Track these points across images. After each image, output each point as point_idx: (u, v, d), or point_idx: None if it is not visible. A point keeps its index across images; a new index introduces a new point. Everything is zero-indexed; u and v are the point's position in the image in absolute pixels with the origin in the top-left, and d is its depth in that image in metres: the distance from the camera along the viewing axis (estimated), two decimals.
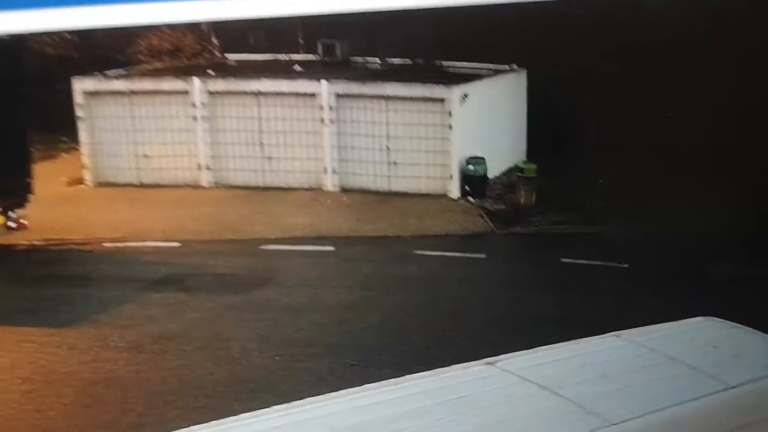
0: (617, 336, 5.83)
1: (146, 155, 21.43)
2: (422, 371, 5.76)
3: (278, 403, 5.20)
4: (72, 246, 16.99)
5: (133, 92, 21.44)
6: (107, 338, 12.60)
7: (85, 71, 23.81)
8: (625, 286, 14.82)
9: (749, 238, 16.47)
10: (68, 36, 28.29)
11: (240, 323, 13.13)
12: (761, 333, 5.87)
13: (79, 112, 21.59)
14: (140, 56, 29.56)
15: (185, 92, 21.30)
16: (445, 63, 23.41)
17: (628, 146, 20.39)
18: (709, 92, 20.99)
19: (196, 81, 21.37)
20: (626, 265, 15.77)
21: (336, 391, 5.37)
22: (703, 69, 21.51)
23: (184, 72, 23.08)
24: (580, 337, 5.86)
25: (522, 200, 19.66)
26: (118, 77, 22.35)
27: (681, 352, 5.46)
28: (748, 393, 5.07)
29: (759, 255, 15.63)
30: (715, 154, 19.72)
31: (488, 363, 5.69)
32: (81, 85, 21.66)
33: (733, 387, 5.11)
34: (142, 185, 21.39)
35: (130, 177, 21.58)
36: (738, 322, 6.07)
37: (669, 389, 5.02)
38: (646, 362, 5.36)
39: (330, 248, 16.90)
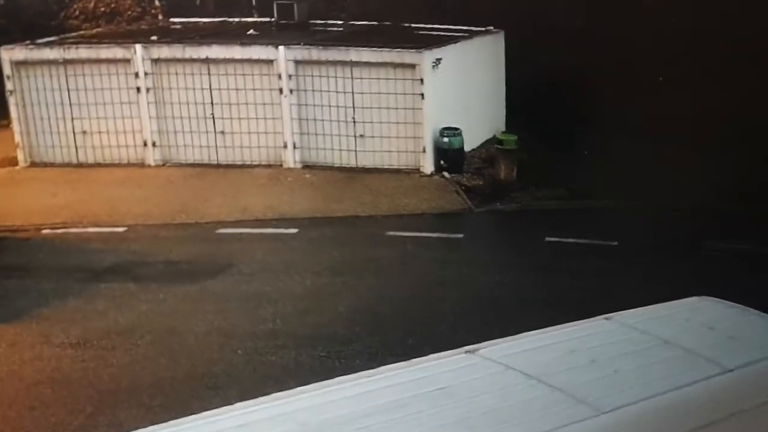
0: (608, 319, 5.99)
1: (85, 131, 21.33)
2: (397, 362, 5.88)
3: (241, 400, 5.27)
4: (6, 233, 16.89)
5: (67, 61, 21.23)
6: (50, 334, 12.58)
7: (12, 39, 23.49)
8: (615, 266, 15.05)
9: (746, 212, 16.85)
10: None
11: (196, 315, 13.17)
12: (759, 312, 6.06)
13: (8, 85, 21.39)
14: (74, 21, 29.28)
15: (126, 61, 21.14)
16: (414, 25, 23.42)
17: (616, 114, 20.64)
18: (704, 54, 21.33)
19: (139, 48, 21.19)
20: (615, 243, 16.03)
21: (304, 385, 5.44)
22: (697, 28, 21.78)
23: (125, 38, 22.90)
24: (568, 322, 6.01)
25: (502, 175, 19.83)
26: (50, 45, 22.07)
27: (675, 334, 5.63)
28: (745, 376, 5.25)
29: (755, 230, 16.01)
30: (711, 121, 20.05)
31: (469, 351, 5.80)
32: (9, 55, 21.42)
33: (731, 370, 5.29)
34: (82, 165, 21.31)
35: (68, 156, 21.49)
36: (735, 301, 6.26)
37: (663, 374, 5.19)
38: (639, 346, 5.53)
39: (293, 231, 16.95)
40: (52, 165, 21.29)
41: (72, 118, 21.32)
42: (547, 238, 16.39)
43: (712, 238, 15.90)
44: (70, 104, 21.29)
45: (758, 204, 16.91)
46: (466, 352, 5.85)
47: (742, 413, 5.12)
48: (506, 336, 6.07)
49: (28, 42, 22.30)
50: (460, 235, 16.95)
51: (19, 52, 21.48)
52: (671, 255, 15.30)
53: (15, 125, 21.49)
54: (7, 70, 21.32)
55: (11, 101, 21.44)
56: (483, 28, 23.20)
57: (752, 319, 5.91)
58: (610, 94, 20.82)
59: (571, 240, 16.29)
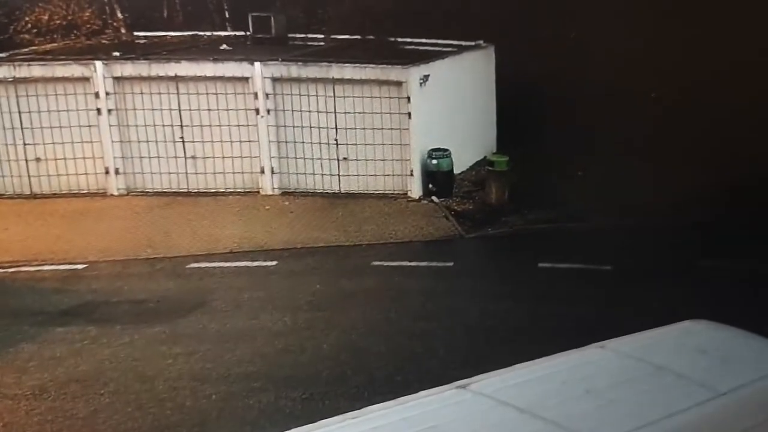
0: (601, 347, 6.32)
1: (39, 158, 21.30)
2: (385, 401, 6.13)
3: None
4: None
5: (18, 80, 21.16)
6: (2, 385, 12.57)
7: None
8: (609, 291, 15.58)
9: (740, 228, 17.59)
10: None
11: (165, 359, 13.29)
12: (750, 333, 6.42)
13: None
14: (26, 36, 29.28)
15: (85, 79, 21.17)
16: (400, 39, 23.79)
17: (610, 133, 21.35)
18: (700, 69, 22.04)
19: (99, 65, 21.26)
20: (608, 268, 16.54)
21: (285, 430, 5.64)
22: (694, 41, 22.47)
23: (83, 54, 22.89)
24: (562, 352, 6.31)
25: (493, 198, 20.29)
26: None
27: (668, 359, 5.96)
28: (738, 399, 5.59)
29: (749, 247, 16.71)
30: (705, 139, 20.86)
31: (460, 386, 6.06)
32: None
33: (723, 394, 5.62)
34: (36, 195, 21.30)
35: (19, 186, 21.42)
36: (733, 320, 6.60)
37: (657, 401, 5.51)
38: (632, 374, 5.85)
39: (271, 263, 17.18)
40: (1, 196, 21.25)
41: (24, 144, 21.26)
42: (540, 264, 16.88)
43: (708, 257, 16.52)
44: (22, 128, 21.22)
45: (754, 220, 17.69)
46: (457, 387, 6.09)
47: None
48: (499, 369, 6.34)
49: None
50: (450, 263, 17.30)
51: None
52: (666, 275, 16.03)
53: None
54: None
55: None
56: (473, 43, 23.59)
57: (743, 341, 6.27)
58: (605, 111, 21.53)
59: (564, 265, 16.72)
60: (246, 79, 21.05)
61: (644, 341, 6.27)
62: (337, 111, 20.82)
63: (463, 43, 23.51)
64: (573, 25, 23.37)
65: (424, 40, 23.59)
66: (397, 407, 5.87)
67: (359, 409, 6.01)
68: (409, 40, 23.66)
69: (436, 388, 6.18)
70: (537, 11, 23.72)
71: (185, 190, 21.34)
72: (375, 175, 20.92)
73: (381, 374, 12.50)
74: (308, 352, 13.39)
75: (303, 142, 21.07)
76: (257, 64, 21.05)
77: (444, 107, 21.56)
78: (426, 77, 20.83)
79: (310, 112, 20.92)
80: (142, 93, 21.23)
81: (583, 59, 22.97)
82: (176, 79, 21.09)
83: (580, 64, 22.94)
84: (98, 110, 21.19)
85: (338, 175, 21.03)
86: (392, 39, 23.76)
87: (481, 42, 23.64)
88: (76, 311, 15.17)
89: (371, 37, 23.96)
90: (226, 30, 28.19)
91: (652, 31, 23.03)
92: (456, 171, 21.24)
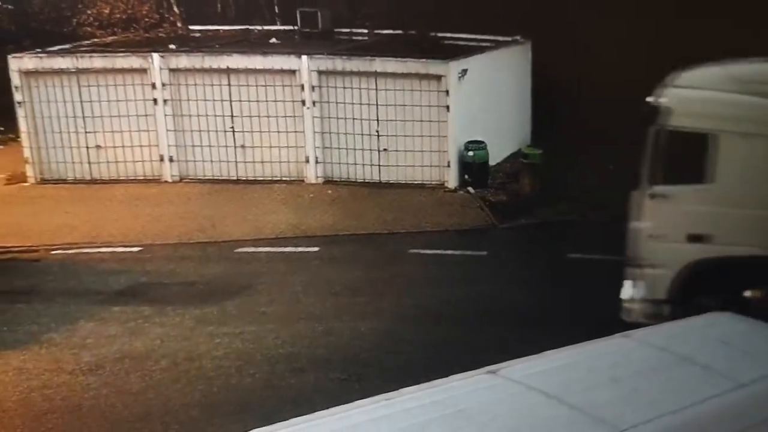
0: (626, 336, 6.29)
1: (99, 146, 21.48)
2: (418, 384, 6.13)
3: (258, 426, 5.50)
4: (14, 255, 17.12)
5: (80, 71, 21.31)
6: (61, 360, 12.70)
7: (22, 47, 23.78)
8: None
9: None
10: (0, 4, 28.25)
11: (213, 338, 13.41)
12: None
13: (16, 96, 21.43)
14: (88, 28, 29.59)
15: (143, 70, 21.31)
16: (441, 34, 23.71)
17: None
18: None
19: (156, 57, 21.36)
20: None
21: (324, 409, 5.67)
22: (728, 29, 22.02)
23: (141, 46, 23.06)
24: (588, 341, 6.29)
25: (526, 189, 20.16)
26: (62, 54, 22.14)
27: (691, 350, 5.92)
28: (759, 390, 5.53)
29: None
30: None
31: (490, 372, 6.06)
32: (18, 64, 21.46)
33: (745, 385, 5.56)
34: (95, 181, 21.53)
35: (80, 172, 21.64)
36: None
37: (679, 390, 5.48)
38: (656, 363, 5.82)
39: (314, 249, 17.27)
40: (63, 182, 21.51)
41: (85, 132, 21.47)
42: (570, 255, 16.80)
43: None
44: (83, 117, 21.42)
45: None
46: (487, 372, 6.09)
47: (757, 426, 5.38)
48: (530, 355, 6.33)
49: (38, 50, 22.44)
50: (484, 252, 17.26)
51: (29, 62, 21.57)
52: None
53: (24, 139, 21.61)
54: (15, 81, 21.35)
55: (20, 114, 21.48)
56: (510, 38, 23.43)
57: (766, 334, 6.19)
58: (637, 105, 21.16)
59: (593, 256, 16.56)
60: (293, 71, 21.12)
61: (668, 332, 6.25)
62: (378, 103, 20.83)
63: (501, 38, 23.38)
64: (612, 23, 23.04)
65: (463, 35, 23.48)
66: (429, 390, 5.89)
67: (393, 390, 6.01)
68: (449, 35, 23.56)
69: (467, 373, 6.18)
70: (577, 8, 23.39)
71: (234, 178, 21.49)
72: (413, 166, 20.93)
73: (415, 358, 12.49)
74: (346, 335, 13.44)
75: (346, 133, 21.12)
76: (304, 58, 21.10)
77: (481, 101, 21.48)
78: (464, 71, 20.75)
79: (353, 104, 20.96)
80: (195, 84, 21.37)
81: (619, 56, 22.62)
82: (228, 71, 21.22)
83: (616, 60, 22.58)
84: (154, 100, 21.38)
85: (378, 165, 21.06)
86: (433, 34, 23.68)
87: (519, 37, 23.47)
88: (131, 291, 15.35)
89: (413, 31, 23.90)
90: (275, 24, 28.26)
91: (695, 30, 22.60)
92: (491, 162, 21.16)
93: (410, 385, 6.15)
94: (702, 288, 13.16)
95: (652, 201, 13.11)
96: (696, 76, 13.48)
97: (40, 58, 21.84)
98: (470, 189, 20.49)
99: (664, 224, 13.09)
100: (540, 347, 6.77)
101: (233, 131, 21.45)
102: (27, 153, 21.64)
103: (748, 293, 13.17)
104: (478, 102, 21.37)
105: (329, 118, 21.07)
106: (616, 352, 6.03)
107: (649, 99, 13.22)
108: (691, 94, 13.34)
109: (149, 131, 21.52)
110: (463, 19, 23.98)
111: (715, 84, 13.40)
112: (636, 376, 5.67)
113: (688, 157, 13.28)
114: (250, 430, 5.45)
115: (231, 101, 21.37)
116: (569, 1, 23.42)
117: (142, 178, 21.62)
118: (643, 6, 23.18)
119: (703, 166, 13.01)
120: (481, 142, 20.61)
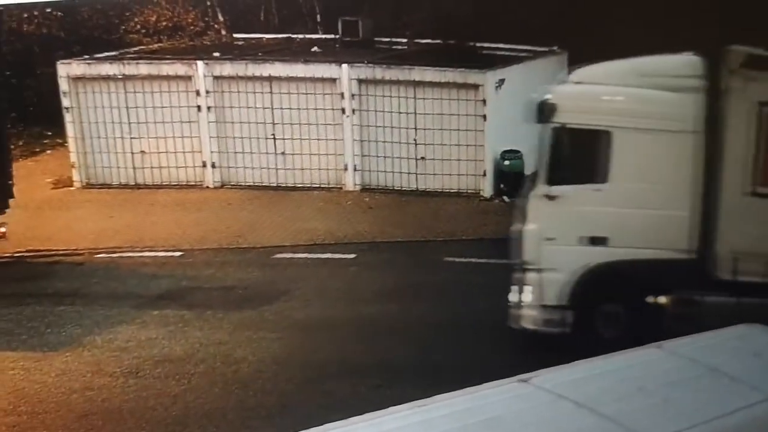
0: (658, 347, 6.26)
1: (143, 151, 21.62)
2: (451, 391, 6.14)
3: (294, 431, 5.55)
4: (59, 258, 17.29)
5: (127, 77, 21.46)
6: (101, 363, 12.83)
7: (71, 53, 24.00)
8: None
9: None
10: (51, 12, 28.63)
11: (250, 343, 13.50)
12: None
13: (64, 102, 21.58)
14: (135, 35, 29.91)
15: (188, 77, 21.44)
16: (479, 44, 23.63)
17: None
18: None
19: (200, 64, 21.48)
20: None
21: (358, 415, 5.70)
22: None
23: (186, 54, 23.18)
24: (619, 351, 6.27)
25: None
26: (109, 60, 22.34)
27: (722, 362, 5.87)
28: None
29: None
30: None
31: (522, 380, 6.05)
32: (66, 70, 21.63)
33: None
34: (139, 186, 21.66)
35: (125, 177, 21.76)
36: None
37: (709, 402, 5.44)
38: (687, 374, 5.78)
39: (351, 256, 17.31)
40: (108, 186, 21.68)
41: (130, 138, 21.59)
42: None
43: None
44: (129, 123, 21.56)
45: None
46: (518, 380, 6.09)
47: None
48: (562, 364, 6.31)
49: (86, 56, 22.65)
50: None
51: (77, 68, 21.78)
52: None
53: (71, 144, 21.79)
54: (64, 86, 21.53)
55: (68, 119, 21.65)
56: (546, 48, 23.31)
57: None
58: None
59: None
60: (334, 80, 21.18)
61: (699, 343, 6.20)
62: (417, 112, 20.83)
63: (538, 48, 23.27)
64: (648, 33, 22.83)
65: (502, 45, 23.41)
66: (462, 397, 5.90)
67: (427, 397, 6.02)
68: (487, 44, 23.51)
69: (499, 381, 6.18)
70: (613, 20, 23.24)
71: (274, 185, 21.55)
72: (450, 174, 20.87)
73: (448, 365, 12.50)
74: (381, 342, 13.45)
75: (384, 141, 21.13)
76: (345, 66, 21.15)
77: (517, 110, 21.32)
78: (502, 81, 20.70)
79: (391, 112, 20.97)
80: (238, 91, 21.47)
81: None
82: (270, 79, 21.31)
83: None
84: (198, 107, 21.48)
85: (416, 173, 21.03)
86: (471, 44, 23.64)
87: (555, 48, 23.38)
88: (171, 295, 15.48)
89: (452, 41, 23.86)
90: (317, 33, 28.37)
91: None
92: (527, 172, 21.02)
93: (443, 392, 6.16)
94: (606, 294, 12.71)
95: (547, 202, 12.57)
96: (591, 71, 12.91)
97: (88, 64, 22.04)
98: (505, 198, 20.41)
99: (560, 226, 12.57)
100: (576, 356, 6.73)
101: (274, 138, 21.52)
102: (73, 158, 21.81)
103: (656, 300, 12.60)
104: (514, 111, 21.19)
105: (368, 126, 21.08)
106: (646, 362, 6.00)
107: (543, 96, 12.58)
108: (583, 90, 12.77)
109: (192, 137, 21.62)
110: (502, 30, 23.91)
111: (610, 78, 12.78)
112: (666, 386, 5.64)
113: (582, 155, 12.71)
114: None
115: (272, 109, 21.44)
116: (606, 13, 23.26)
117: (184, 183, 21.73)
118: (681, 17, 22.96)
119: (597, 164, 12.49)
120: (517, 152, 20.52)
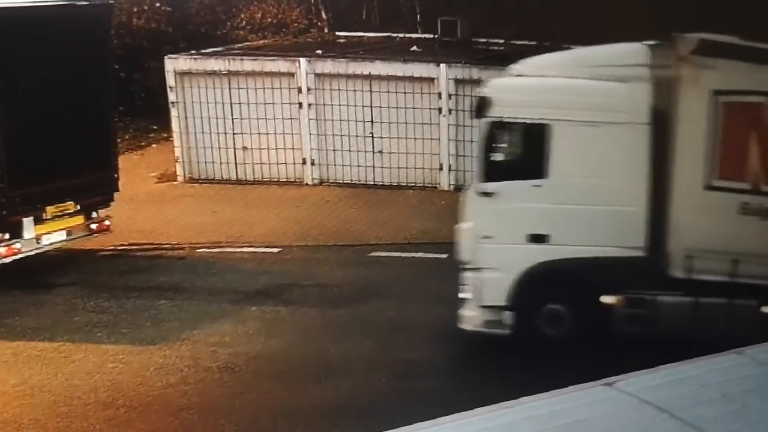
0: (739, 353, 6.30)
1: (246, 147, 21.96)
2: (537, 393, 6.29)
3: (383, 429, 5.76)
4: (161, 252, 17.66)
5: (231, 73, 21.78)
6: (199, 357, 12.94)
7: (178, 48, 24.63)
8: None
9: None
10: (160, 6, 29.52)
11: (344, 340, 13.62)
12: None
13: (170, 96, 22.02)
14: (240, 32, 30.55)
15: (290, 74, 21.66)
16: (573, 46, 23.38)
17: None
18: None
19: (303, 62, 21.67)
20: None
21: (446, 415, 5.88)
22: None
23: (289, 51, 23.46)
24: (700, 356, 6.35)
25: None
26: (215, 56, 22.69)
27: None
28: None
29: None
30: None
31: (606, 384, 6.18)
32: (173, 65, 22.01)
33: None
34: (240, 182, 22.05)
35: (226, 172, 22.16)
36: None
37: None
38: (767, 381, 5.82)
39: (443, 255, 17.27)
40: (210, 181, 22.13)
41: (233, 134, 21.96)
42: None
43: None
44: (232, 119, 21.91)
45: None
46: (603, 384, 6.22)
47: None
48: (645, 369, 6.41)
49: (192, 52, 23.12)
50: None
51: (183, 63, 22.18)
52: None
53: (176, 139, 22.25)
54: (170, 81, 21.96)
55: (173, 114, 22.09)
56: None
57: None
58: None
59: None
60: (432, 79, 21.25)
61: None
62: None
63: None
64: None
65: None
66: (547, 400, 6.03)
67: (512, 399, 6.16)
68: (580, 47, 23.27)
69: (584, 384, 6.30)
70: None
71: (371, 183, 21.75)
72: None
73: (537, 367, 12.12)
74: (472, 344, 13.34)
75: (476, 142, 21.09)
76: (443, 66, 21.20)
77: None
78: None
79: None
80: (339, 89, 21.66)
81: None
82: (370, 77, 21.45)
83: None
84: (300, 104, 21.71)
85: None
86: (565, 46, 23.46)
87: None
88: (268, 291, 15.65)
89: (547, 43, 23.74)
90: (417, 32, 28.52)
91: None
92: None
93: (530, 395, 6.30)
94: (548, 294, 12.33)
95: (483, 199, 12.22)
96: (534, 62, 12.47)
97: (194, 59, 22.38)
98: None
99: (497, 224, 12.21)
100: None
101: (372, 137, 21.70)
102: (177, 152, 22.23)
103: (603, 299, 12.20)
104: None
105: (463, 126, 21.01)
106: (727, 368, 6.05)
107: (480, 90, 12.10)
108: (520, 83, 12.33)
109: (293, 134, 21.86)
110: (599, 31, 23.68)
111: (552, 70, 12.31)
112: (747, 393, 5.69)
113: (520, 150, 12.43)
114: None
115: (371, 107, 21.61)
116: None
117: (284, 180, 22.02)
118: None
119: (536, 159, 12.07)
120: None
